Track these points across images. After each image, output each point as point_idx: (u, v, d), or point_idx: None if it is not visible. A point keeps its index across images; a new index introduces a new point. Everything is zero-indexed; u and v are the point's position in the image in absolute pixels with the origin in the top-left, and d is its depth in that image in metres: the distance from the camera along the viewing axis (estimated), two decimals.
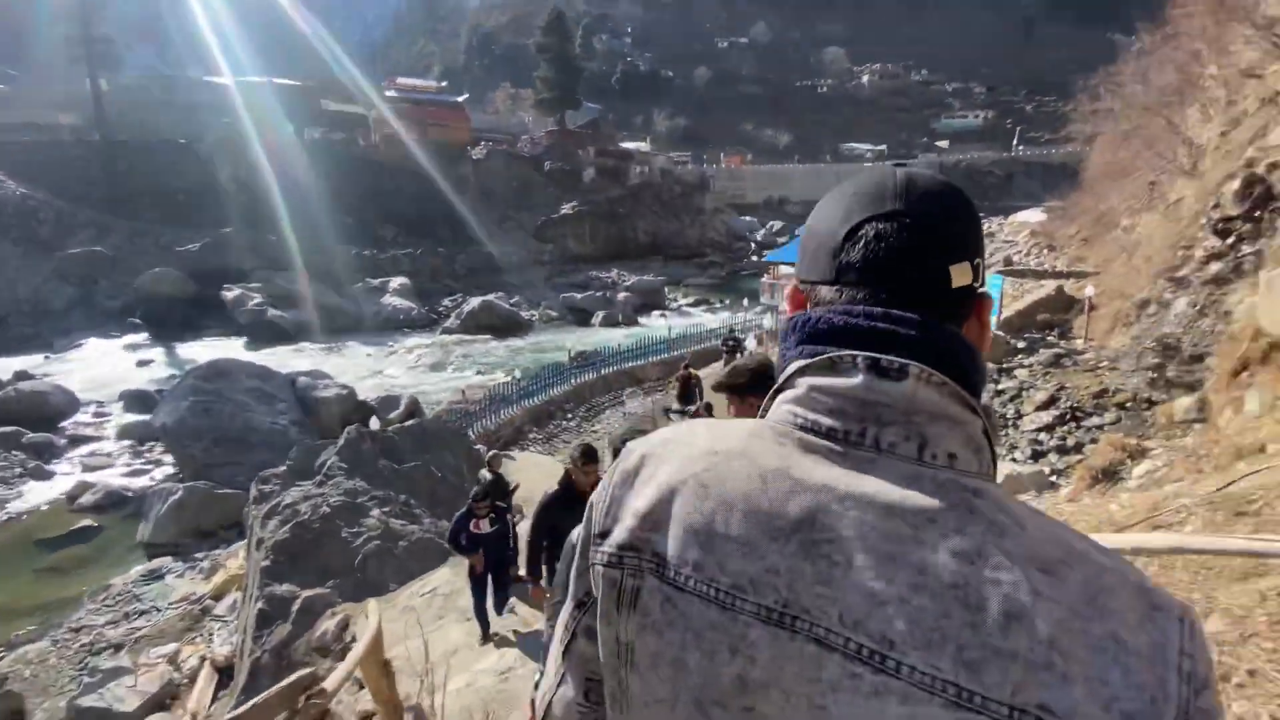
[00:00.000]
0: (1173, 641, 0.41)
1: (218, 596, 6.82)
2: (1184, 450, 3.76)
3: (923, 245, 0.51)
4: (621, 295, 30.53)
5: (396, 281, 30.55)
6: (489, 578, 4.61)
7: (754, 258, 43.16)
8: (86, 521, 11.32)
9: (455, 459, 7.61)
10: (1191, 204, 11.13)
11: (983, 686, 0.40)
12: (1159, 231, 13.09)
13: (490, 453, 6.18)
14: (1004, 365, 10.24)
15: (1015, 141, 77.69)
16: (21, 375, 18.55)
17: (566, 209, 41.46)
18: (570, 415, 12.69)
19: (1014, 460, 6.31)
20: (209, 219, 33.13)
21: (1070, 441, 6.42)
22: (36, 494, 12.40)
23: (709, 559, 0.48)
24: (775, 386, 0.54)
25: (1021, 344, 11.77)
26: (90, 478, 12.91)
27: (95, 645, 4.92)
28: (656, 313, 29.37)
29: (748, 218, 56.22)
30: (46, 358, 22.74)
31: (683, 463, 0.53)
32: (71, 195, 32.75)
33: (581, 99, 56.05)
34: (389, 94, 43.45)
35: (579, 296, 30.23)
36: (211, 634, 6.09)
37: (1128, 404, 6.62)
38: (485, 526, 4.56)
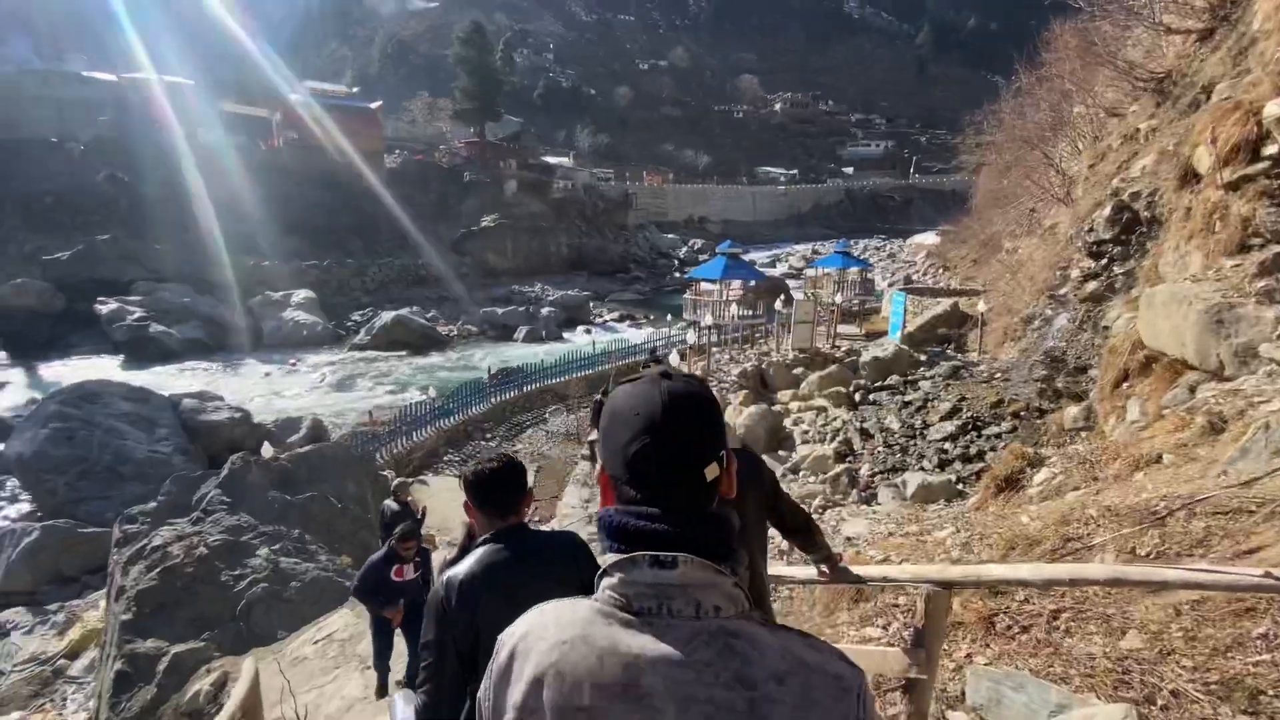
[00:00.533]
0: (852, 709, 0.68)
1: (73, 655, 5.80)
2: (1077, 458, 4.00)
3: (680, 458, 0.74)
4: (545, 310, 30.09)
5: (300, 294, 28.64)
6: (396, 629, 4.04)
7: (677, 274, 43.89)
8: None
9: (359, 487, 7.01)
10: (1066, 228, 12.24)
11: None
12: (1039, 253, 14.33)
13: (396, 480, 5.69)
14: (909, 377, 10.77)
15: (912, 170, 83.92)
16: None
17: (487, 221, 40.60)
18: (490, 435, 12.14)
19: (923, 469, 6.58)
20: (82, 225, 29.82)
21: (973, 450, 6.76)
22: None
23: None
24: (601, 571, 0.74)
25: (923, 357, 12.46)
26: None
27: None
28: (581, 328, 29.14)
29: (670, 235, 57.25)
30: None
31: (541, 656, 0.71)
32: None
33: (502, 111, 55.37)
34: (294, 97, 41.05)
35: (500, 311, 29.52)
36: (65, 699, 5.15)
37: (1021, 413, 7.09)
38: (409, 572, 3.95)
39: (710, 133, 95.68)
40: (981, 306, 13.10)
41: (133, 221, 30.46)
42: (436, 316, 29.64)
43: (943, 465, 6.57)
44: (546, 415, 13.24)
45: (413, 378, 21.31)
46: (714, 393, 0.85)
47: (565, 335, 27.79)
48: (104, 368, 20.29)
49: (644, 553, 0.71)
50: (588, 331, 27.74)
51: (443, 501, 8.68)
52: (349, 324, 28.22)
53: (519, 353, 22.95)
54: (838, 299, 18.14)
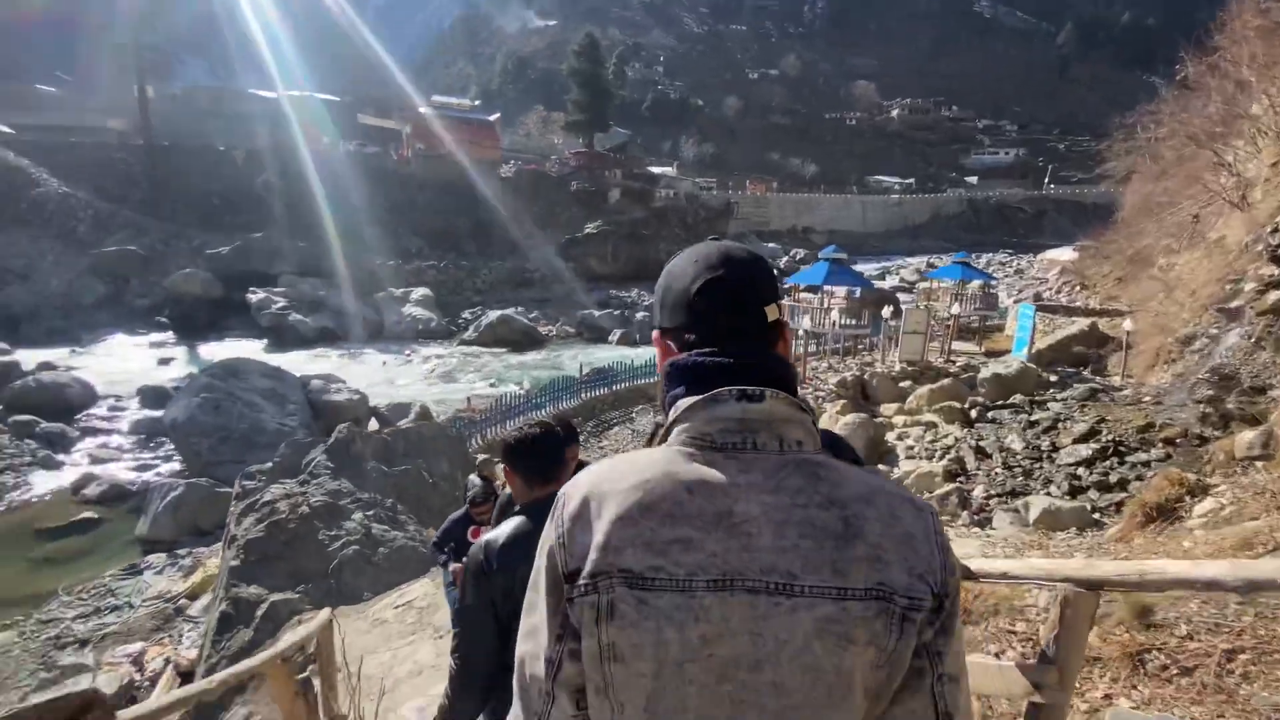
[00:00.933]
0: (931, 526, 0.72)
1: (193, 596, 6.49)
2: (1254, 487, 3.30)
3: (744, 291, 0.77)
4: (640, 314, 30.32)
5: (419, 292, 30.76)
6: None
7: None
8: (88, 514, 11.19)
9: (451, 466, 7.26)
10: (1240, 237, 10.55)
11: (849, 583, 0.67)
12: (1202, 267, 12.46)
13: (482, 458, 5.82)
14: (1035, 397, 9.67)
15: (1047, 179, 76.72)
16: (44, 366, 18.83)
17: (590, 228, 41.68)
18: (579, 430, 12.38)
19: (1049, 494, 5.75)
20: (241, 224, 33.88)
21: (1113, 478, 5.84)
22: (42, 483, 12.36)
23: (665, 560, 0.68)
24: (672, 419, 0.74)
25: (1053, 377, 11.19)
26: (97, 470, 12.85)
27: (61, 639, 4.63)
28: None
29: (771, 245, 56.06)
30: (73, 351, 23.10)
31: (624, 496, 0.70)
32: (111, 196, 33.75)
33: (611, 123, 56.88)
34: (423, 110, 44.42)
35: (597, 314, 30.09)
36: (181, 635, 5.77)
37: (1177, 440, 6.06)
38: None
39: (820, 141, 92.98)
40: (1128, 325, 11.59)
41: (282, 222, 34.13)
42: (538, 317, 30.73)
43: (1074, 492, 5.74)
44: (634, 414, 13.22)
45: (511, 373, 22.17)
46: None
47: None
48: (250, 349, 22.78)
49: (731, 388, 0.72)
50: None
51: None
52: (460, 320, 29.88)
53: (610, 354, 23.22)
54: (955, 310, 16.79)
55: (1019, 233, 68.56)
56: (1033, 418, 8.10)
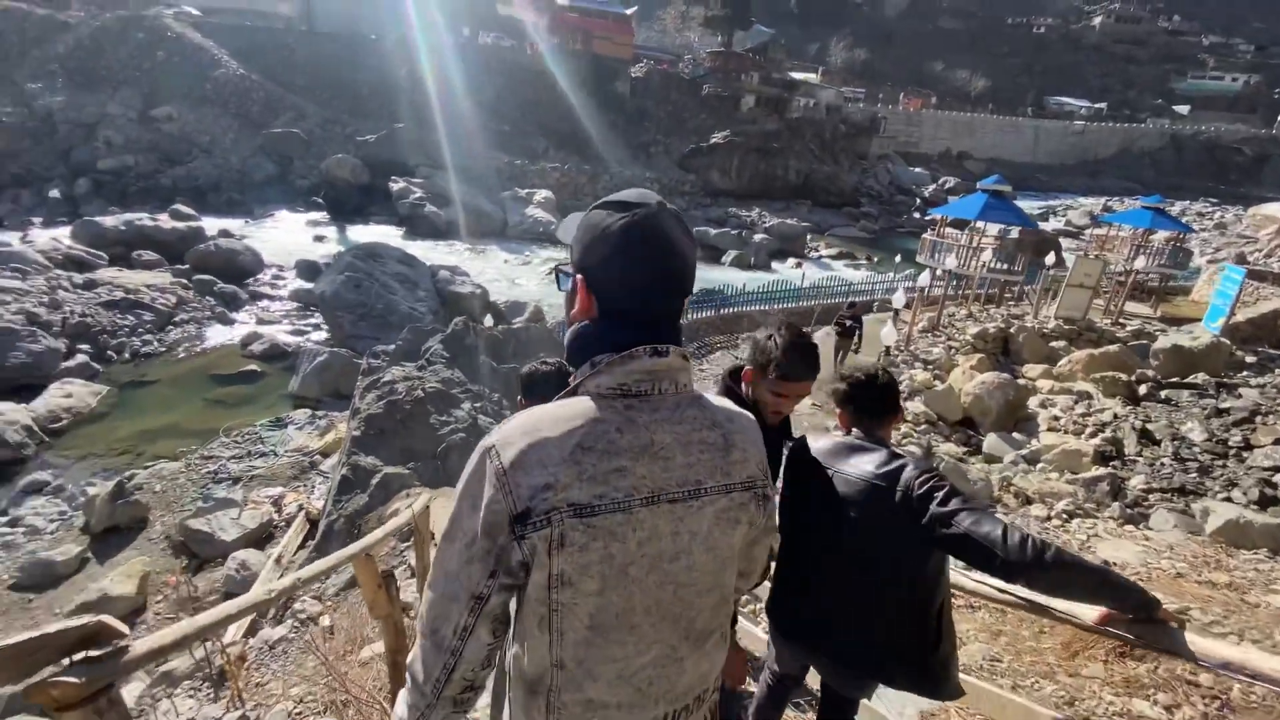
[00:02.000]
0: (757, 429, 1.01)
1: (325, 453, 7.37)
2: None
3: (682, 288, 0.94)
4: (758, 236, 28.95)
5: (541, 194, 31.11)
6: None
7: (916, 214, 39.01)
8: (251, 366, 12.79)
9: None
10: None
11: (732, 480, 0.93)
12: None
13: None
14: (1226, 379, 8.16)
15: None
16: (223, 233, 21.23)
17: (717, 138, 39.53)
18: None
19: (1233, 500, 4.81)
20: (387, 113, 35.46)
21: None
22: (218, 335, 14.24)
23: (607, 488, 0.83)
24: (590, 373, 0.90)
25: (1251, 358, 9.38)
26: (261, 329, 14.57)
27: (218, 474, 5.40)
28: (792, 260, 27.58)
29: (918, 169, 50.70)
30: (246, 222, 25.83)
31: (561, 441, 0.83)
32: (279, 80, 36.28)
33: (754, 20, 52.29)
34: (560, 1, 42.97)
35: (713, 232, 29.06)
36: (313, 486, 6.61)
37: None
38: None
39: (995, 52, 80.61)
40: None
41: (422, 113, 35.29)
42: None
43: (1266, 503, 4.78)
44: (739, 340, 12.81)
45: None
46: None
47: (774, 265, 26.60)
48: (389, 234, 24.38)
49: (644, 346, 0.88)
50: (798, 265, 26.17)
51: None
52: None
53: (723, 276, 22.52)
54: (1136, 265, 14.41)
55: (1230, 179, 57.19)
56: (1221, 404, 6.83)
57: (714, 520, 0.91)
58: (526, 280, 22.10)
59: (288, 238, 23.93)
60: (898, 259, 22.06)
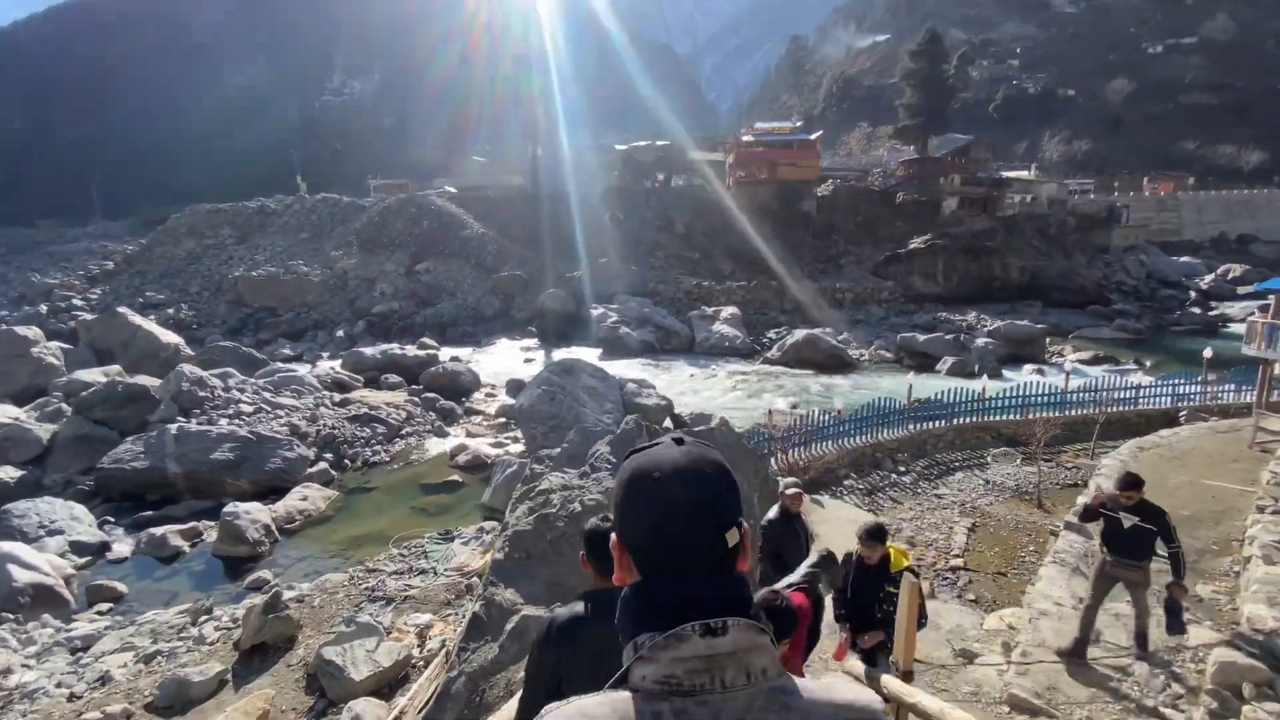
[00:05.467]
0: None
1: (482, 574, 6.79)
2: None
3: (707, 519, 0.74)
4: (981, 341, 25.39)
5: (727, 311, 31.38)
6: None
7: (1195, 309, 31.74)
8: (455, 477, 13.53)
9: (746, 484, 6.26)
10: None
11: None
12: None
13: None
14: None
15: None
16: (453, 359, 24.34)
17: (917, 243, 37.20)
18: (903, 469, 9.99)
19: None
20: (593, 252, 39.79)
21: None
22: (433, 447, 15.55)
23: None
24: (633, 659, 0.71)
25: None
26: (468, 442, 15.65)
27: (374, 592, 5.10)
28: (1029, 367, 23.43)
29: (1185, 258, 42.24)
30: (473, 350, 29.59)
31: None
32: (510, 235, 43.11)
33: (947, 127, 50.49)
34: (745, 138, 45.98)
35: (921, 339, 26.21)
36: (466, 615, 5.96)
37: None
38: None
39: (1268, 122, 67.45)
40: None
41: (622, 249, 38.83)
42: (848, 339, 28.33)
43: None
44: (988, 459, 10.28)
45: (814, 396, 20.52)
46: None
47: (1006, 373, 22.70)
48: (588, 354, 25.94)
49: (692, 624, 0.68)
50: (1039, 372, 22.03)
51: (835, 529, 7.22)
52: (764, 340, 29.45)
53: (940, 385, 19.65)
54: None
55: None
56: None
57: None
58: (711, 392, 21.56)
59: (503, 361, 26.69)
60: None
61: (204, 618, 5.78)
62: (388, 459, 14.61)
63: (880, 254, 37.95)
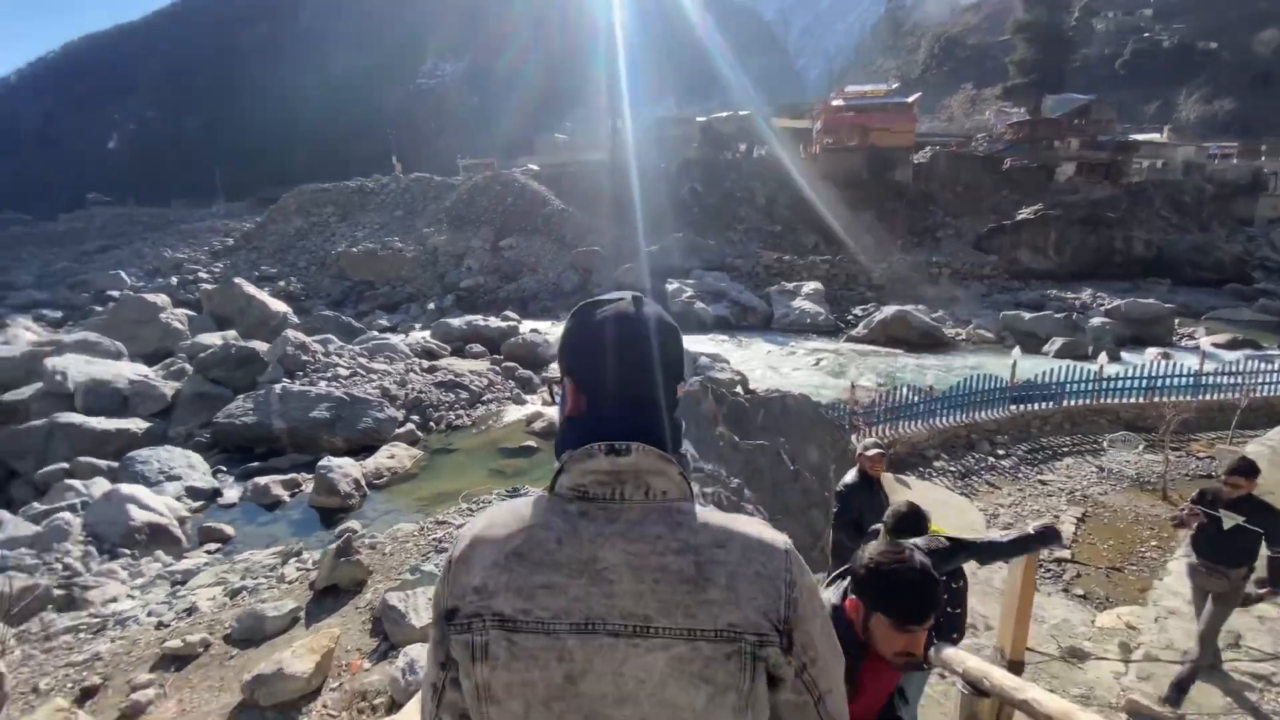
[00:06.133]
0: (782, 564, 0.77)
1: None
2: None
3: (659, 373, 0.86)
4: (1097, 320, 23.01)
5: (809, 286, 30.14)
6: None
7: None
8: (531, 442, 13.79)
9: (822, 456, 5.81)
10: None
11: (699, 624, 0.73)
12: None
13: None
14: None
15: None
16: (533, 331, 24.88)
17: (1026, 213, 34.09)
18: (1004, 452, 9.05)
19: None
20: (671, 225, 39.30)
21: None
22: (511, 413, 15.95)
23: (533, 604, 0.74)
24: (557, 469, 0.83)
25: None
26: (544, 409, 15.91)
27: (441, 543, 5.18)
28: (1153, 350, 20.99)
29: None
30: (552, 323, 30.09)
31: (500, 543, 0.78)
32: (590, 209, 43.33)
33: (1065, 86, 45.61)
34: (835, 103, 43.55)
35: (1027, 316, 24.08)
36: None
37: None
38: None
39: None
40: None
41: (700, 222, 38.12)
42: (943, 317, 26.49)
43: None
44: (1104, 444, 9.16)
45: (904, 374, 19.32)
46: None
47: (1125, 356, 20.46)
48: None
49: (600, 443, 0.78)
50: (1165, 356, 19.68)
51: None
52: (849, 317, 28.09)
53: (1045, 366, 17.95)
54: None
55: None
56: None
57: (667, 670, 0.72)
58: (789, 369, 20.80)
59: (565, 351, 26.97)
60: None
61: (293, 559, 6.16)
62: (469, 423, 15.13)
63: (983, 225, 35.10)
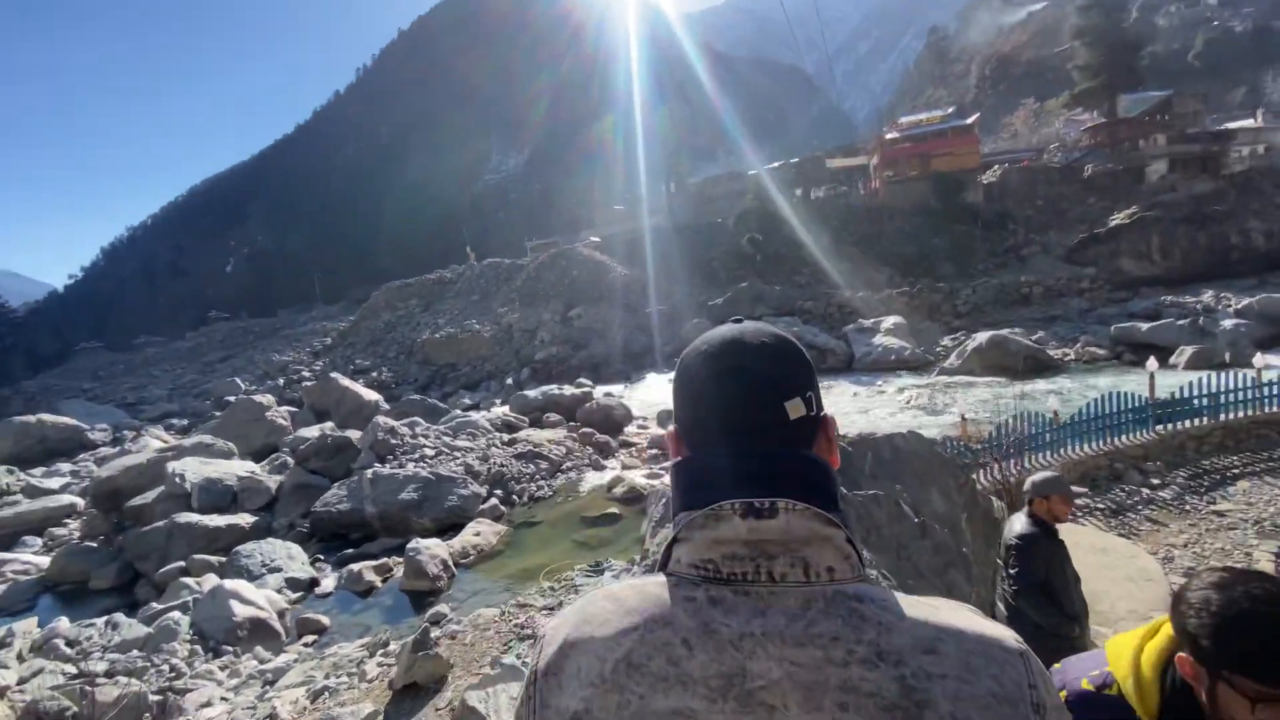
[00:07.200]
0: (1023, 678, 0.52)
1: None
2: None
3: (755, 386, 0.62)
4: (1227, 323, 20.42)
5: (890, 321, 28.72)
6: None
7: None
8: (613, 509, 13.33)
9: (948, 505, 5.03)
10: None
11: None
12: None
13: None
14: None
15: None
16: (607, 395, 24.85)
17: (1119, 218, 31.55)
18: (1158, 481, 7.68)
19: None
20: (734, 278, 39.17)
21: None
22: (591, 480, 15.61)
23: None
24: (670, 538, 0.61)
25: None
26: (624, 474, 15.49)
27: (524, 629, 4.76)
28: None
29: None
30: (625, 386, 30.11)
31: (604, 649, 0.55)
32: (652, 271, 44.12)
33: (1139, 84, 42.98)
34: (890, 135, 42.89)
35: (1144, 327, 21.74)
36: None
37: None
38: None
39: None
40: None
41: (764, 271, 37.77)
42: (1045, 338, 24.41)
43: None
44: (1277, 459, 7.63)
45: (1009, 403, 17.59)
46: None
47: (1269, 358, 17.85)
48: None
49: (733, 501, 0.56)
50: None
51: (1080, 558, 5.62)
52: (938, 349, 26.41)
53: (1178, 381, 15.85)
54: None
55: None
56: None
57: None
58: (880, 411, 19.48)
59: (653, 394, 26.69)
60: None
61: (379, 652, 5.93)
62: (551, 493, 14.90)
63: (1071, 238, 32.71)
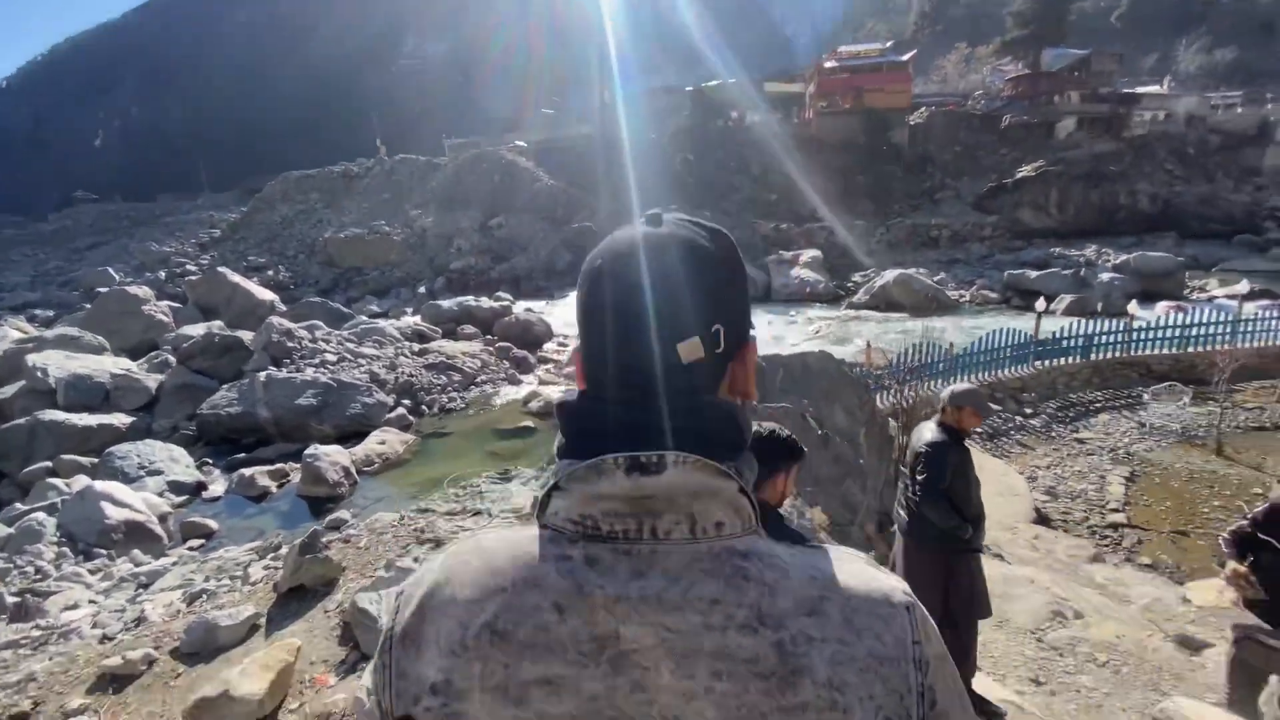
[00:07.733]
0: (907, 634, 0.50)
1: None
2: None
3: (636, 320, 0.53)
4: (1105, 276, 22.45)
5: (807, 254, 29.50)
6: None
7: None
8: (528, 422, 13.29)
9: (850, 421, 5.30)
10: None
11: None
12: None
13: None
14: None
15: None
16: (527, 310, 24.25)
17: (1026, 170, 33.31)
18: (1032, 410, 8.52)
19: None
20: (663, 199, 38.42)
21: None
22: (507, 394, 15.43)
23: (525, 712, 0.48)
24: (550, 485, 0.54)
25: None
26: (540, 389, 15.39)
27: (424, 534, 4.67)
28: (1165, 303, 20.42)
29: None
30: (546, 303, 29.47)
31: (468, 612, 0.50)
32: (579, 185, 42.38)
33: (1064, 39, 44.40)
34: (828, 64, 42.37)
35: (1033, 275, 23.53)
36: None
37: None
38: None
39: None
40: None
41: (694, 193, 37.27)
42: (945, 279, 25.94)
43: None
44: (1144, 396, 8.64)
45: (911, 338, 18.83)
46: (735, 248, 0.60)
47: (1140, 309, 19.97)
48: None
49: (617, 455, 0.50)
50: (1179, 310, 19.16)
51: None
52: (850, 284, 27.53)
53: (1055, 326, 17.44)
54: None
55: None
56: None
57: None
58: (792, 338, 20.27)
59: (574, 313, 26.41)
60: None
61: (268, 555, 5.67)
62: (464, 405, 14.61)
63: (982, 186, 34.33)
